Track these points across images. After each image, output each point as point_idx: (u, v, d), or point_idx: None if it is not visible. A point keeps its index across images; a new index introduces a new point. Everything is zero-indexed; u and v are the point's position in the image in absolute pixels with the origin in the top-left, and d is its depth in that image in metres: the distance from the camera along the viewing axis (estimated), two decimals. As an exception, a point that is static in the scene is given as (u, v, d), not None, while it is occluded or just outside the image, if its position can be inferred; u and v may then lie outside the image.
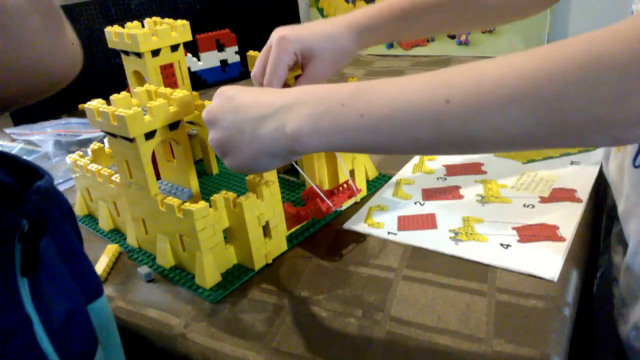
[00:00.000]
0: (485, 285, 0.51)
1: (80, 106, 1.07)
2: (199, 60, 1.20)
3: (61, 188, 0.83)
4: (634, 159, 0.52)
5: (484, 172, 0.71)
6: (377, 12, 0.61)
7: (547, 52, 0.32)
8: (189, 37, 0.74)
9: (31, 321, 0.30)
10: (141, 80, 0.76)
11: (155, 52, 0.71)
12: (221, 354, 0.48)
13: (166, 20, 0.74)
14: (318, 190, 0.59)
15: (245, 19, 1.31)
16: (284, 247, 0.60)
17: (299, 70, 0.62)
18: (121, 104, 0.55)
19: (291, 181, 0.74)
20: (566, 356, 0.44)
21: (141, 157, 0.56)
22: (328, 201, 0.58)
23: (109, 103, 0.56)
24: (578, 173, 0.68)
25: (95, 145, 0.72)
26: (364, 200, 0.68)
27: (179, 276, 0.58)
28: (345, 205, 0.67)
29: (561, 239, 0.56)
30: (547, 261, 0.52)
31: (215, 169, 0.80)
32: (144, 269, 0.59)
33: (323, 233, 0.63)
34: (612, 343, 0.56)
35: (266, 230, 0.58)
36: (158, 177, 0.67)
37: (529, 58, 0.33)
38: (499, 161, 0.73)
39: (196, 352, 0.49)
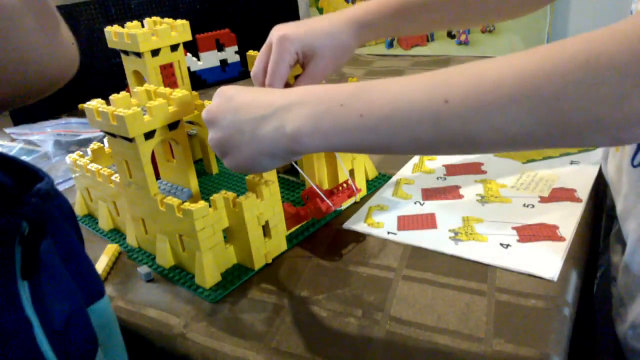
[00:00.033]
0: (485, 285, 0.51)
1: (80, 106, 1.07)
2: (199, 60, 1.20)
3: (61, 188, 0.83)
4: (633, 159, 0.52)
5: (484, 172, 0.71)
6: (376, 8, 0.61)
7: (547, 52, 0.32)
8: (189, 37, 0.74)
9: (31, 324, 0.30)
10: (141, 80, 0.76)
11: (155, 52, 0.71)
12: (221, 354, 0.48)
13: (166, 20, 0.74)
14: (318, 190, 0.59)
15: (245, 19, 1.31)
16: (284, 247, 0.60)
17: (299, 70, 0.62)
18: (121, 104, 0.55)
19: (291, 181, 0.74)
20: (566, 356, 0.44)
21: (141, 157, 0.56)
22: (328, 201, 0.58)
23: (108, 103, 0.56)
24: (578, 173, 0.68)
25: (95, 145, 0.72)
26: (364, 200, 0.68)
27: (179, 276, 0.58)
28: (345, 205, 0.67)
29: (561, 239, 0.56)
30: (547, 261, 0.52)
31: (215, 169, 0.80)
32: (144, 269, 0.59)
33: (323, 233, 0.63)
34: (611, 343, 0.56)
35: (266, 230, 0.58)
36: (158, 177, 0.67)
37: (528, 58, 0.33)
38: (499, 161, 0.73)
39: (196, 352, 0.49)
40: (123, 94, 0.56)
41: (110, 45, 0.73)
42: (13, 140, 0.99)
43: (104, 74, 1.16)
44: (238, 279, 0.56)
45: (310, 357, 0.46)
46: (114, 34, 0.71)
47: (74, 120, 1.04)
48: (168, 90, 0.60)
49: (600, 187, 0.66)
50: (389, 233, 0.61)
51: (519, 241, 0.56)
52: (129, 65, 0.74)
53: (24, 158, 0.92)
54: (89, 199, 0.72)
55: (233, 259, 0.59)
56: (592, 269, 0.64)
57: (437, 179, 0.71)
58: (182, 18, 0.74)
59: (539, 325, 0.45)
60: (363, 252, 0.58)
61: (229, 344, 0.48)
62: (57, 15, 0.32)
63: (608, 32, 0.31)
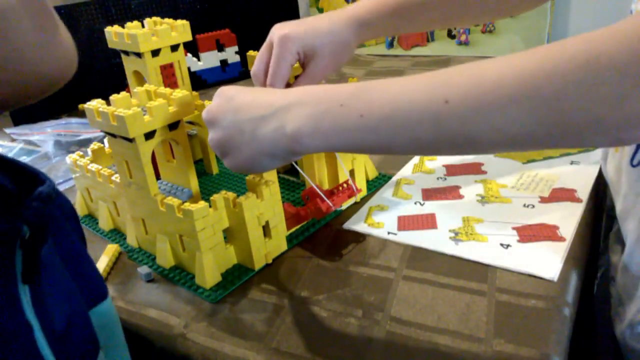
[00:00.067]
0: (485, 285, 0.51)
1: (80, 106, 1.07)
2: (199, 60, 1.20)
3: (61, 188, 0.83)
4: (632, 159, 0.52)
5: (484, 172, 0.71)
6: (376, 7, 0.61)
7: (547, 52, 0.32)
8: (189, 37, 0.74)
9: (31, 328, 0.30)
10: (141, 80, 0.76)
11: (155, 52, 0.71)
12: (221, 354, 0.48)
13: (166, 20, 0.74)
14: (318, 190, 0.59)
15: (245, 19, 1.31)
16: (283, 247, 0.60)
17: (299, 70, 0.62)
18: (121, 104, 0.55)
19: (291, 181, 0.74)
20: (566, 356, 0.44)
21: (141, 157, 0.56)
22: (328, 201, 0.58)
23: (108, 103, 0.56)
24: (578, 173, 0.68)
25: (95, 145, 0.72)
26: (364, 200, 0.68)
27: (179, 276, 0.58)
28: (345, 205, 0.67)
29: (561, 239, 0.56)
30: (547, 261, 0.52)
31: (215, 169, 0.80)
32: (144, 269, 0.59)
33: (323, 233, 0.63)
34: (611, 343, 0.56)
35: (266, 230, 0.58)
36: (158, 177, 0.67)
37: (528, 58, 0.33)
38: (499, 161, 0.73)
39: (196, 352, 0.49)
40: (123, 94, 0.56)
41: (110, 45, 0.73)
42: (13, 140, 0.99)
43: (104, 74, 1.16)
44: (238, 279, 0.56)
45: (310, 357, 0.46)
46: (114, 34, 0.71)
47: (74, 120, 1.04)
48: (168, 90, 0.60)
49: (600, 187, 0.66)
50: (389, 233, 0.61)
51: (519, 241, 0.56)
52: (129, 65, 0.74)
53: (24, 158, 0.92)
54: (89, 199, 0.72)
55: (233, 259, 0.59)
56: (592, 269, 0.64)
57: (437, 179, 0.71)
58: (182, 18, 0.74)
59: (539, 325, 0.45)
60: (363, 252, 0.58)
61: (229, 344, 0.48)
62: (55, 16, 0.32)
63: (608, 32, 0.31)
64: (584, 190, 0.64)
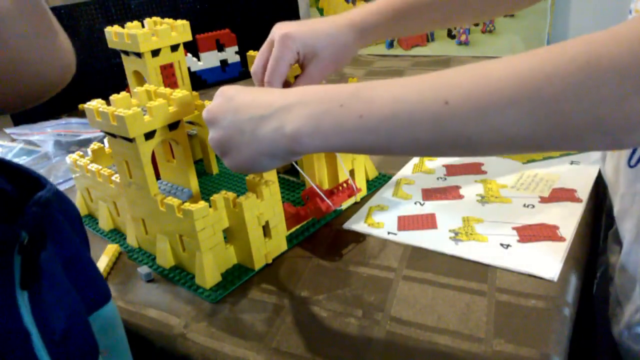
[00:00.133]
0: (485, 285, 0.51)
1: (80, 106, 1.07)
2: (199, 60, 1.20)
3: (61, 188, 0.83)
4: (629, 159, 0.52)
5: (484, 172, 0.71)
6: (377, 10, 0.61)
7: (547, 54, 0.32)
8: (189, 37, 0.74)
9: (29, 334, 0.29)
10: (141, 80, 0.76)
11: (155, 52, 0.71)
12: (221, 354, 0.48)
13: (166, 20, 0.74)
14: (318, 190, 0.59)
15: (245, 19, 1.31)
16: (283, 247, 0.60)
17: (299, 70, 0.62)
18: (121, 104, 0.55)
19: (291, 181, 0.74)
20: (566, 356, 0.44)
21: (141, 157, 0.56)
22: (328, 200, 0.58)
23: (108, 103, 0.56)
24: (578, 173, 0.68)
25: (95, 145, 0.72)
26: (364, 200, 0.68)
27: (179, 276, 0.58)
28: (345, 205, 0.67)
29: (561, 239, 0.56)
30: (547, 261, 0.52)
31: (215, 169, 0.80)
32: (144, 269, 0.59)
33: (323, 233, 0.63)
34: (611, 343, 0.56)
35: (266, 230, 0.58)
36: (158, 177, 0.67)
37: (529, 60, 0.33)
38: (499, 161, 0.73)
39: (196, 352, 0.49)
40: (123, 94, 0.56)
41: (110, 45, 0.73)
42: (13, 140, 0.99)
43: (104, 74, 1.16)
44: (238, 279, 0.56)
45: (310, 357, 0.46)
46: (114, 34, 0.71)
47: (74, 120, 1.04)
48: (168, 90, 0.60)
49: (600, 187, 0.66)
50: (389, 233, 0.61)
51: (519, 241, 0.56)
52: (129, 65, 0.74)
53: (24, 158, 0.92)
54: (89, 199, 0.72)
55: (233, 259, 0.59)
56: (592, 269, 0.64)
57: (437, 179, 0.71)
58: (182, 18, 0.74)
59: (539, 325, 0.45)
60: (363, 252, 0.58)
61: (229, 344, 0.48)
62: (53, 20, 0.31)
63: (609, 34, 0.31)
64: (584, 190, 0.64)
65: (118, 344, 0.42)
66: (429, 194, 0.67)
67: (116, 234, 0.68)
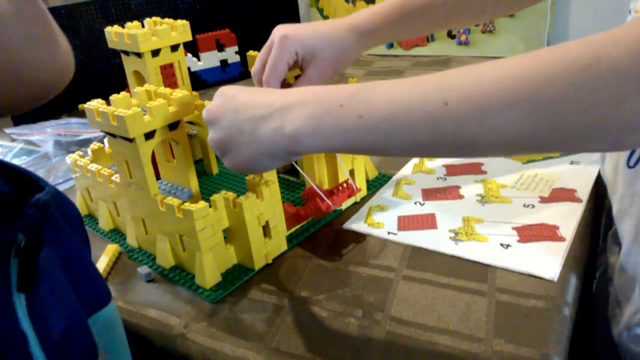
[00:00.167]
0: (485, 285, 0.51)
1: (80, 106, 1.07)
2: (199, 60, 1.20)
3: (61, 188, 0.83)
4: (628, 159, 0.52)
5: (484, 172, 0.71)
6: (377, 15, 0.61)
7: (547, 55, 0.32)
8: (189, 37, 0.74)
9: (26, 338, 0.29)
10: (141, 80, 0.76)
11: (155, 52, 0.71)
12: (221, 354, 0.48)
13: (166, 20, 0.74)
14: (318, 190, 0.59)
15: (245, 19, 1.31)
16: (283, 247, 0.60)
17: (299, 71, 0.62)
18: (121, 104, 0.55)
19: (291, 181, 0.74)
20: (566, 356, 0.44)
21: (141, 157, 0.56)
22: (327, 200, 0.58)
23: (108, 103, 0.56)
24: (578, 173, 0.68)
25: (95, 145, 0.72)
26: (364, 200, 0.68)
27: (179, 276, 0.58)
28: (345, 205, 0.67)
29: (561, 239, 0.56)
30: (547, 261, 0.52)
31: (215, 169, 0.80)
32: (144, 269, 0.59)
33: (323, 233, 0.63)
34: (611, 343, 0.56)
35: (266, 230, 0.58)
36: (158, 177, 0.67)
37: (528, 61, 0.33)
38: (499, 161, 0.73)
39: (196, 352, 0.49)
40: (123, 94, 0.56)
41: (110, 45, 0.73)
42: (13, 140, 0.99)
43: (104, 74, 1.16)
44: (238, 279, 0.56)
45: (310, 357, 0.46)
46: (114, 34, 0.71)
47: (74, 120, 1.04)
48: (168, 90, 0.60)
49: (600, 187, 0.66)
50: (389, 233, 0.61)
51: (519, 241, 0.56)
52: (129, 65, 0.74)
53: (24, 158, 0.92)
54: (89, 199, 0.72)
55: (233, 259, 0.59)
56: (592, 269, 0.64)
57: (437, 179, 0.71)
58: (182, 18, 0.74)
59: (539, 325, 0.45)
60: (363, 252, 0.58)
61: (229, 344, 0.48)
62: (52, 23, 0.31)
63: (608, 36, 0.31)
64: (584, 190, 0.64)
65: (118, 345, 0.42)
66: (429, 194, 0.67)
67: (116, 234, 0.68)
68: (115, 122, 0.54)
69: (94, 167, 0.67)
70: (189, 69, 1.06)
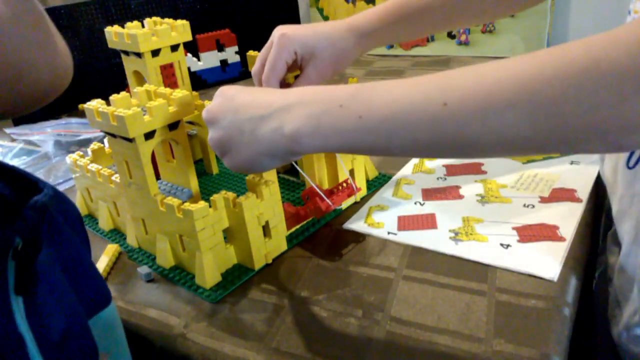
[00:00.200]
0: (485, 285, 0.51)
1: (80, 106, 1.07)
2: (199, 60, 1.20)
3: (61, 188, 0.83)
4: (628, 160, 0.52)
5: (484, 172, 0.71)
6: (377, 17, 0.61)
7: (547, 57, 0.32)
8: (189, 37, 0.74)
9: (24, 340, 0.29)
10: (141, 80, 0.76)
11: (155, 52, 0.71)
12: (221, 354, 0.48)
13: (166, 20, 0.74)
14: (317, 189, 0.59)
15: (245, 19, 1.31)
16: (283, 247, 0.60)
17: (298, 71, 0.62)
18: (121, 104, 0.55)
19: (291, 181, 0.74)
20: (566, 356, 0.44)
21: (141, 157, 0.56)
22: (327, 200, 0.58)
23: (108, 103, 0.56)
24: (578, 173, 0.68)
25: (95, 145, 0.72)
26: (364, 200, 0.68)
27: (179, 276, 0.58)
28: (345, 205, 0.67)
29: (561, 239, 0.56)
30: (547, 261, 0.52)
31: (215, 169, 0.80)
32: (144, 269, 0.59)
33: (323, 233, 0.63)
34: (611, 343, 0.56)
35: (266, 230, 0.58)
36: (158, 177, 0.67)
37: (528, 62, 0.33)
38: (499, 161, 0.73)
39: (196, 352, 0.49)
40: (123, 94, 0.56)
41: (110, 45, 0.73)
42: (13, 140, 1.00)
43: (104, 74, 1.16)
44: (238, 279, 0.56)
45: (310, 357, 0.46)
46: (114, 34, 0.71)
47: (74, 120, 1.04)
48: (168, 90, 0.60)
49: (600, 187, 0.66)
50: (389, 233, 0.61)
51: (519, 241, 0.56)
52: (129, 65, 0.74)
53: (24, 158, 0.92)
54: (89, 199, 0.72)
55: (233, 259, 0.59)
56: (592, 268, 0.64)
57: (437, 179, 0.71)
58: (182, 18, 0.74)
59: (539, 325, 0.45)
60: (363, 252, 0.58)
61: (229, 344, 0.48)
62: (50, 25, 0.31)
63: (608, 38, 0.31)
64: (584, 190, 0.64)
65: (118, 345, 0.42)
66: (429, 194, 0.67)
67: (116, 234, 0.68)
68: (115, 122, 0.54)
69: (94, 167, 0.67)
70: (189, 69, 1.06)
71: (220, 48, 1.21)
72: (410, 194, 0.68)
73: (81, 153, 0.71)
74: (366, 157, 0.71)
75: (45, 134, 0.97)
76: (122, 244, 0.66)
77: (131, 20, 0.72)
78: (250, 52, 0.67)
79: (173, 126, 0.58)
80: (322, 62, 0.59)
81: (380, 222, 0.63)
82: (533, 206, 0.62)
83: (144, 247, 0.64)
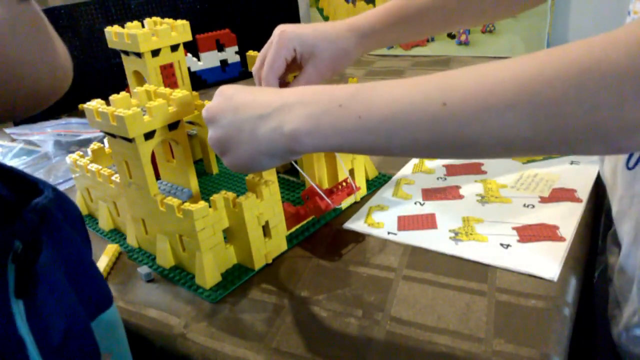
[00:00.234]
0: (485, 285, 0.51)
1: (80, 106, 1.07)
2: (199, 60, 1.20)
3: (61, 188, 0.83)
4: (627, 161, 0.52)
5: (484, 172, 0.71)
6: (379, 17, 0.61)
7: (547, 57, 0.32)
8: (189, 37, 0.74)
9: (24, 343, 0.29)
10: (141, 80, 0.76)
11: (155, 52, 0.71)
12: (221, 354, 0.48)
13: (166, 20, 0.74)
14: (317, 189, 0.59)
15: (245, 19, 1.31)
16: (283, 247, 0.60)
17: (299, 71, 0.62)
18: (120, 104, 0.55)
19: (291, 181, 0.74)
20: (566, 356, 0.44)
21: (140, 157, 0.56)
22: (327, 199, 0.58)
23: (108, 103, 0.56)
24: (578, 173, 0.68)
25: (95, 145, 0.72)
26: (364, 200, 0.68)
27: (179, 276, 0.58)
28: (345, 204, 0.67)
29: (561, 239, 0.56)
30: (547, 261, 0.52)
31: (215, 169, 0.80)
32: (144, 269, 0.59)
33: (323, 233, 0.63)
34: (611, 343, 0.56)
35: (266, 230, 0.58)
36: (158, 177, 0.67)
37: (528, 63, 0.33)
38: (499, 161, 0.73)
39: (196, 352, 0.49)
40: (123, 94, 0.56)
41: (110, 45, 0.73)
42: (13, 140, 1.00)
43: (104, 74, 1.16)
44: (238, 279, 0.56)
45: (310, 357, 0.46)
46: (114, 34, 0.71)
47: (74, 120, 1.04)
48: (168, 90, 0.60)
49: (600, 187, 0.66)
50: (389, 233, 0.61)
51: (519, 241, 0.56)
52: (129, 65, 0.74)
53: (24, 158, 0.92)
54: (89, 199, 0.72)
55: (233, 259, 0.59)
56: (592, 269, 0.64)
57: (437, 179, 0.71)
58: (182, 18, 0.74)
59: (539, 325, 0.45)
60: (363, 252, 0.58)
61: (229, 344, 0.48)
62: (49, 27, 0.31)
63: (608, 39, 0.31)
64: (584, 190, 0.64)
65: (119, 348, 0.42)
66: (429, 194, 0.67)
67: (116, 234, 0.68)
68: (115, 122, 0.54)
69: (94, 167, 0.67)
70: (189, 69, 1.06)
71: (220, 48, 1.21)
72: (410, 194, 0.68)
73: (81, 153, 0.71)
74: (366, 157, 0.71)
75: (45, 134, 0.97)
76: (122, 244, 0.66)
77: (131, 20, 0.72)
78: (250, 52, 0.67)
79: (173, 126, 0.58)
80: (322, 61, 0.59)
81: (380, 222, 0.63)
82: (533, 206, 0.62)
83: (144, 247, 0.64)
